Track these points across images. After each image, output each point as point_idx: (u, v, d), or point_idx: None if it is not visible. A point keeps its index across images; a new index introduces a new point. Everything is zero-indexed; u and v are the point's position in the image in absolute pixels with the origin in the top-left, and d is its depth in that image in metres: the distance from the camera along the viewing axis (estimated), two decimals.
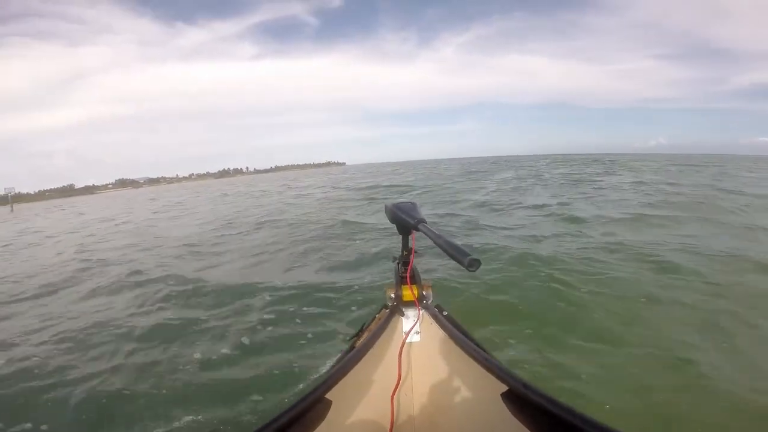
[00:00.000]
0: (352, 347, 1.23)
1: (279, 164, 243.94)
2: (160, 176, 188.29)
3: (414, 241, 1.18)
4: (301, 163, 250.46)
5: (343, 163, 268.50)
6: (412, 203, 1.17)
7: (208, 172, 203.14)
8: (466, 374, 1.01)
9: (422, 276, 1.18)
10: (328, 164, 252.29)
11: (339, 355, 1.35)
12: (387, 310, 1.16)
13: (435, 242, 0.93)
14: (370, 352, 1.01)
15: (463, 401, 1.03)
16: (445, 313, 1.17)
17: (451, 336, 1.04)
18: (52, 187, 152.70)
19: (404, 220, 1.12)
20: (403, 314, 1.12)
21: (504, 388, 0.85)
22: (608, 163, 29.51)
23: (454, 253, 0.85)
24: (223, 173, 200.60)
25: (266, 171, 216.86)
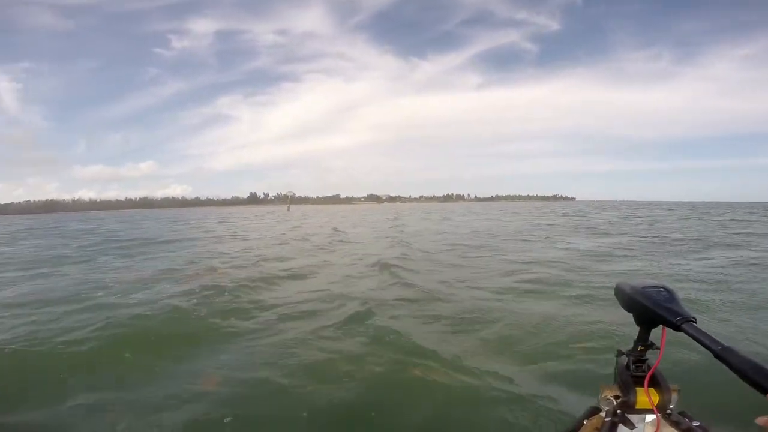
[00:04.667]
0: None
1: (500, 194, 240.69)
2: (396, 195, 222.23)
3: (664, 338, 0.79)
4: (523, 194, 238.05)
5: (573, 198, 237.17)
6: (667, 289, 0.79)
7: (434, 195, 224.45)
8: None
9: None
10: (555, 198, 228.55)
11: None
12: (605, 417, 0.86)
13: (721, 357, 0.61)
14: None
15: None
16: (696, 424, 0.84)
17: None
18: (324, 195, 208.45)
19: (656, 313, 0.76)
20: (633, 426, 0.82)
21: None
22: None
23: (763, 380, 0.54)
24: (447, 198, 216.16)
25: (486, 199, 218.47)
